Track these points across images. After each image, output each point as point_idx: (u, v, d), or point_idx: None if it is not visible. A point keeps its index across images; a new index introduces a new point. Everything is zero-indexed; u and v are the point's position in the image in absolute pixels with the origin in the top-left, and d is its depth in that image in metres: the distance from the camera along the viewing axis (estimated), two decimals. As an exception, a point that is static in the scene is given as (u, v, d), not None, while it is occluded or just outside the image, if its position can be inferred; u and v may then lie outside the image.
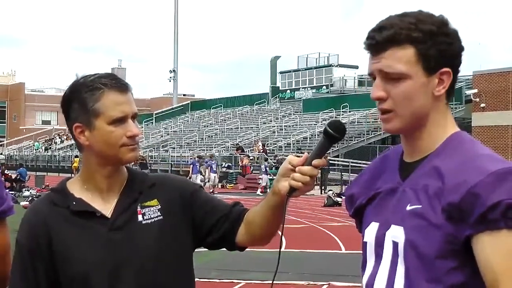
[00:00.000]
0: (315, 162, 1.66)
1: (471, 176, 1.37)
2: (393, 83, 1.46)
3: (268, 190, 25.75)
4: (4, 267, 1.94)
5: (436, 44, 1.45)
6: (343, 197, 2.02)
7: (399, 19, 1.47)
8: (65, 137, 56.48)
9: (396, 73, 1.45)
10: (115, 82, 1.76)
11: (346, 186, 1.90)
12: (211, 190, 26.07)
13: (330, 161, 29.49)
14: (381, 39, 1.46)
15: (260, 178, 27.63)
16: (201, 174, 27.58)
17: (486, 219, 1.34)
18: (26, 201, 18.71)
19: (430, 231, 1.40)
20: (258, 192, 26.11)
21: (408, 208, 1.46)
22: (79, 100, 1.76)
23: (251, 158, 33.73)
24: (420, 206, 1.44)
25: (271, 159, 31.62)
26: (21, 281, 1.79)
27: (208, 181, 27.01)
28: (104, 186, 1.81)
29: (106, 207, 1.80)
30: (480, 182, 1.35)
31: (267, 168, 27.22)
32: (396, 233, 1.47)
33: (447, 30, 1.47)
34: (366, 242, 1.57)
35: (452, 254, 1.39)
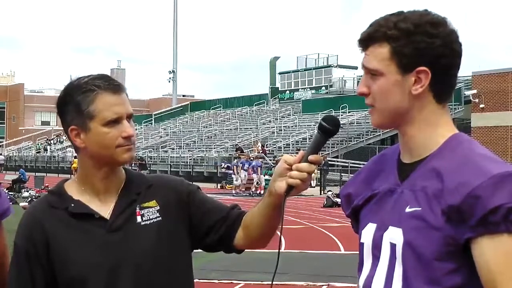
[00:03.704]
0: (311, 157, 1.66)
1: (471, 178, 1.36)
2: (373, 79, 1.50)
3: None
4: (2, 270, 1.92)
5: (411, 42, 1.45)
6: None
7: (386, 18, 1.50)
8: (64, 138, 56.43)
9: (372, 70, 1.49)
10: (108, 84, 1.76)
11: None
12: (259, 191, 25.36)
13: (330, 162, 29.48)
14: (363, 37, 1.51)
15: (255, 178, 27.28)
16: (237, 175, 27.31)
17: (487, 222, 1.33)
18: (26, 201, 18.68)
19: (429, 233, 1.40)
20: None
21: (408, 210, 1.45)
22: (73, 103, 1.76)
23: (250, 158, 33.72)
24: (420, 208, 1.43)
25: (270, 160, 31.61)
26: (17, 283, 1.78)
27: (256, 182, 26.25)
28: (101, 188, 1.81)
29: (104, 209, 1.79)
30: (481, 184, 1.34)
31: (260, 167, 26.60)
32: (394, 235, 1.46)
33: (429, 29, 1.45)
34: (363, 243, 1.56)
35: (451, 256, 1.38)
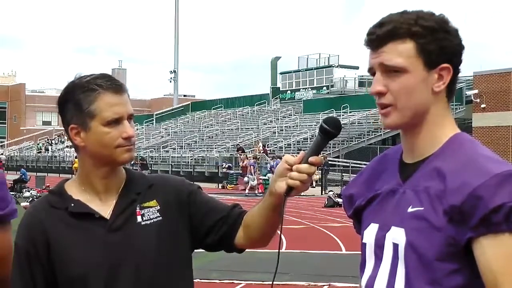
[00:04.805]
0: (311, 159, 1.65)
1: (473, 178, 1.36)
2: (392, 77, 1.47)
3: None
4: (8, 269, 1.93)
5: (436, 40, 1.45)
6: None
7: (400, 16, 1.49)
8: (65, 138, 56.43)
9: (396, 67, 1.46)
10: (110, 84, 1.76)
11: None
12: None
13: (331, 162, 29.47)
14: (381, 34, 1.47)
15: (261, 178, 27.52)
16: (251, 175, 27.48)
17: (488, 222, 1.33)
18: (27, 201, 18.68)
19: (431, 233, 1.39)
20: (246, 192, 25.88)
21: (410, 210, 1.45)
22: (74, 101, 1.76)
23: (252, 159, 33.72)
24: (422, 208, 1.42)
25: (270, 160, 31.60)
26: (19, 283, 1.78)
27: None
28: (101, 187, 1.80)
29: (104, 208, 1.79)
30: (482, 184, 1.34)
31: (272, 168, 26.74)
32: (397, 235, 1.46)
33: (447, 27, 1.47)
34: (365, 243, 1.56)
35: (453, 256, 1.38)
